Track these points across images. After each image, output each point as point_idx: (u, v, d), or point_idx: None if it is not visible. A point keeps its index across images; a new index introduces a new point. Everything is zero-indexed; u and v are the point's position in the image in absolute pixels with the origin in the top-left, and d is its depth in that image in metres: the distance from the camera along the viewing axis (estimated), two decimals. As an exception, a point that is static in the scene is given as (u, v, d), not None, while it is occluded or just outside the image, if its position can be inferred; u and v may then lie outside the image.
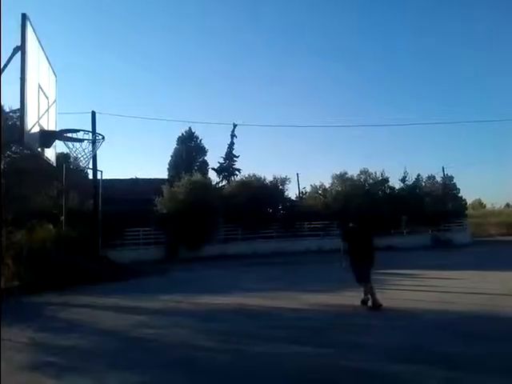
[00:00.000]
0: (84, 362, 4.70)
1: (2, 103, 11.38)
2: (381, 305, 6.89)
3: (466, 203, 26.42)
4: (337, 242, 22.70)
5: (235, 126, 31.43)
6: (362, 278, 7.15)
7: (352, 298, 8.12)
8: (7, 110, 11.32)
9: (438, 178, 25.95)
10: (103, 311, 8.04)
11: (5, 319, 6.97)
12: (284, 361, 4.53)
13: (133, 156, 64.68)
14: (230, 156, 32.21)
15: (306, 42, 64.30)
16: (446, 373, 3.97)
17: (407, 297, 8.11)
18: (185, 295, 9.27)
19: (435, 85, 63.34)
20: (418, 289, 9.05)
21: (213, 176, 29.73)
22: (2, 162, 11.94)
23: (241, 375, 4.14)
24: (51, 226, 13.46)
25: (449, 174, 26.72)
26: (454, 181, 25.54)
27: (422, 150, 64.00)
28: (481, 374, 3.94)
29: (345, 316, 6.74)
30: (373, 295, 7.03)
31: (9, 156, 12.00)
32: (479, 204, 49.07)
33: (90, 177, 17.38)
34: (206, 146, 36.31)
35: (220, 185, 27.57)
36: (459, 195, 25.11)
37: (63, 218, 13.86)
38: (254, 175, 23.00)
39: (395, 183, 24.78)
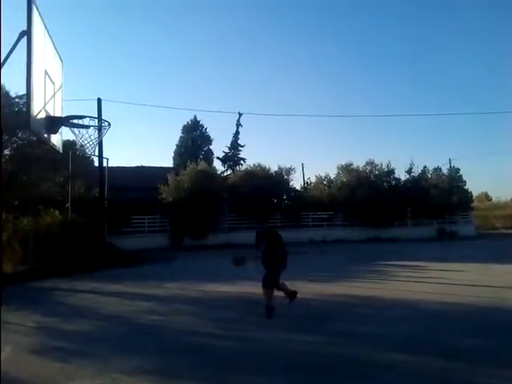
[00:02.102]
0: (89, 347, 4.77)
1: (8, 89, 11.43)
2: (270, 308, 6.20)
3: (471, 196, 26.25)
4: (337, 233, 22.89)
5: (240, 115, 31.26)
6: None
7: (354, 288, 8.17)
8: (13, 95, 11.36)
9: (445, 171, 25.84)
10: (109, 297, 8.14)
11: (13, 304, 7.09)
12: (283, 348, 4.58)
13: (138, 144, 64.79)
14: (235, 145, 32.10)
15: (316, 31, 63.59)
16: (444, 363, 3.99)
17: (409, 288, 8.12)
18: (189, 283, 9.35)
19: (444, 77, 62.56)
20: (421, 280, 9.05)
21: (218, 165, 29.72)
22: (9, 148, 12.01)
23: (242, 361, 4.20)
24: (57, 213, 13.58)
25: (455, 167, 26.58)
26: (461, 173, 25.41)
27: (429, 142, 63.48)
28: (480, 364, 3.95)
29: (346, 305, 6.78)
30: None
31: (15, 142, 12.05)
32: (485, 197, 48.72)
33: (96, 164, 17.46)
34: (212, 135, 36.29)
35: (225, 174, 27.55)
36: (465, 187, 24.97)
37: (69, 204, 13.96)
38: (259, 165, 22.98)
39: (401, 175, 24.70)
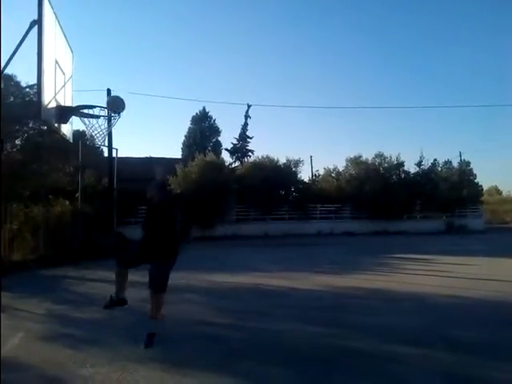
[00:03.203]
0: (99, 334, 4.84)
1: (19, 79, 11.50)
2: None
3: (482, 189, 25.92)
4: (345, 225, 22.69)
5: (249, 106, 31.13)
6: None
7: (361, 280, 8.17)
8: (24, 85, 11.42)
9: (455, 164, 25.53)
10: (117, 286, 8.23)
11: (23, 291, 7.22)
12: (289, 338, 4.61)
13: (147, 135, 65.02)
14: (243, 137, 32.03)
15: (324, 21, 62.78)
16: (449, 356, 3.99)
17: (417, 281, 8.09)
18: (197, 273, 9.40)
19: (455, 68, 61.55)
20: (428, 274, 9.00)
21: (226, 157, 29.72)
22: (20, 138, 12.11)
23: (248, 351, 4.23)
24: (67, 203, 13.73)
25: (466, 160, 26.25)
26: (471, 166, 25.09)
27: (440, 135, 62.69)
28: (485, 358, 3.94)
29: (353, 297, 6.77)
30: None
31: (26, 132, 12.16)
32: (495, 190, 48.11)
33: (106, 155, 17.56)
34: (220, 127, 36.25)
35: (233, 166, 27.55)
36: (475, 181, 24.67)
37: (79, 194, 14.10)
38: (268, 157, 22.94)
39: (411, 167, 24.43)
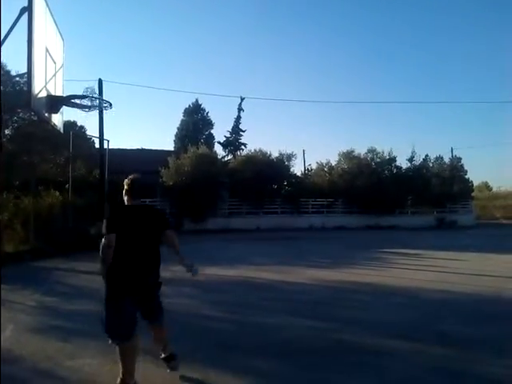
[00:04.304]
0: (90, 327, 4.78)
1: (9, 68, 11.30)
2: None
3: (472, 185, 26.20)
4: (337, 220, 22.77)
5: (242, 99, 31.00)
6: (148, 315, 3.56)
7: (353, 274, 8.22)
8: (14, 73, 11.23)
9: (446, 159, 25.73)
10: (109, 278, 8.18)
11: (15, 283, 7.14)
12: (283, 332, 4.62)
13: (139, 126, 64.52)
14: (236, 130, 31.91)
15: (319, 15, 62.54)
16: (442, 350, 4.02)
17: (408, 276, 8.15)
18: (189, 266, 9.38)
19: (447, 63, 61.81)
20: (420, 268, 9.08)
21: (219, 150, 29.63)
22: (10, 128, 11.92)
23: (241, 344, 4.24)
24: (57, 194, 13.58)
25: (457, 156, 26.46)
26: (462, 162, 25.30)
27: (432, 131, 63.07)
28: (477, 352, 3.99)
29: (345, 291, 6.80)
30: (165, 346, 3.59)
31: (16, 122, 11.96)
32: (485, 186, 48.67)
33: (97, 145, 17.36)
34: (213, 119, 36.04)
35: (226, 159, 27.46)
36: (466, 177, 24.90)
37: (69, 185, 13.93)
38: (260, 150, 22.91)
39: (402, 163, 24.61)
